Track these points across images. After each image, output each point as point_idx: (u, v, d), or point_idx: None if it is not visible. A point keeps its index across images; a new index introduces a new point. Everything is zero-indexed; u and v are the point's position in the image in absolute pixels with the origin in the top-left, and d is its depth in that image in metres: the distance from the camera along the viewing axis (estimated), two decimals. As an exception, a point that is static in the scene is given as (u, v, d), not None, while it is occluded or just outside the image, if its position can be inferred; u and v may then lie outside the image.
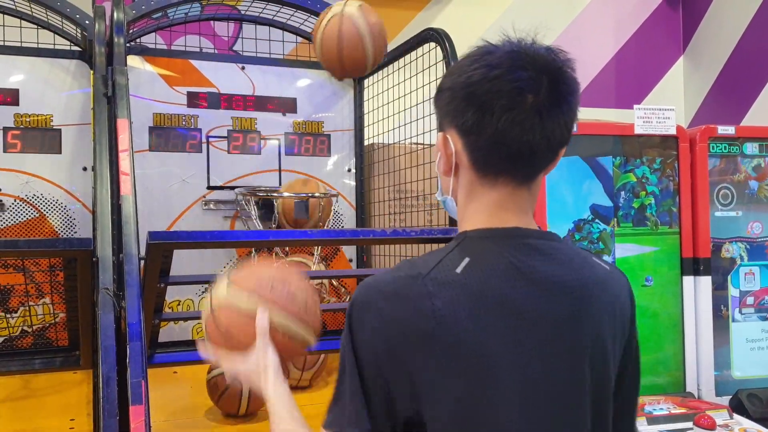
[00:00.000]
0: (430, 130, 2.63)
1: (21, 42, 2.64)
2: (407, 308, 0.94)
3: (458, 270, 0.96)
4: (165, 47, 2.98)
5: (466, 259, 0.97)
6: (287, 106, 3.00)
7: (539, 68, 0.96)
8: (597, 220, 3.13)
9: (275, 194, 2.67)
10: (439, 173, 1.09)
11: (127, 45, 2.33)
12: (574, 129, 1.04)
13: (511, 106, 0.95)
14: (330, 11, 2.04)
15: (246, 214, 2.74)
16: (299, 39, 3.04)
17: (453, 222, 2.43)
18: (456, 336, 0.92)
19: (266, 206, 2.73)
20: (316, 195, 2.76)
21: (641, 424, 2.61)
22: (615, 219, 3.19)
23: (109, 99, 2.03)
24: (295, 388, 2.44)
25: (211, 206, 2.82)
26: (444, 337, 0.92)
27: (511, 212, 1.02)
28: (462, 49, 2.51)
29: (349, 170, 3.08)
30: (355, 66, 2.04)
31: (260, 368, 1.15)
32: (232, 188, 2.83)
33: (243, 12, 2.95)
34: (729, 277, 3.29)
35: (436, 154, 1.08)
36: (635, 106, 3.24)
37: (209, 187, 2.82)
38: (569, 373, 0.98)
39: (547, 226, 3.05)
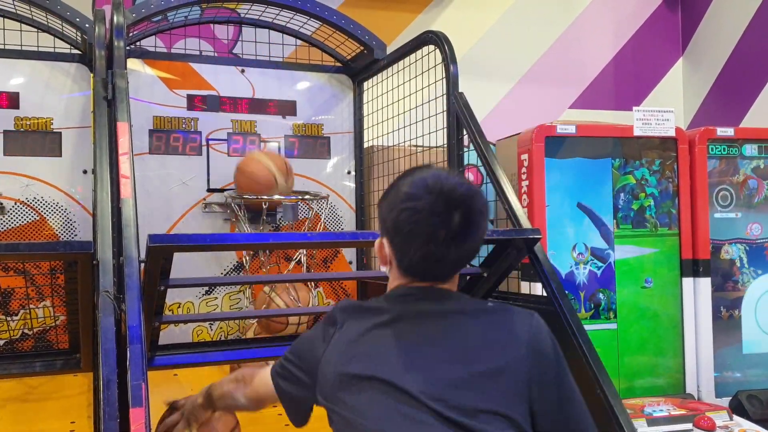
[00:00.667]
0: (429, 133, 2.64)
1: (21, 45, 2.65)
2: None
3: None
4: (165, 50, 2.99)
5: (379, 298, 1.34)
6: (287, 108, 3.01)
7: (453, 207, 1.22)
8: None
9: (265, 197, 2.65)
10: (379, 263, 1.38)
11: (127, 48, 2.34)
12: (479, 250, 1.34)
13: (428, 240, 1.22)
14: None
15: (235, 216, 2.73)
16: (299, 42, 3.04)
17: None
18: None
19: (260, 210, 2.72)
20: (306, 198, 2.76)
21: (641, 425, 2.61)
22: (615, 220, 3.19)
23: (109, 102, 2.03)
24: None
25: (211, 209, 2.83)
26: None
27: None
28: (462, 51, 2.52)
29: (349, 172, 3.09)
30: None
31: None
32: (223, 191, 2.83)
33: (242, 15, 2.95)
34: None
35: (376, 248, 1.36)
36: (634, 108, 3.24)
37: (209, 190, 2.83)
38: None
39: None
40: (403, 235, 1.25)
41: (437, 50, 2.51)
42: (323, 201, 2.88)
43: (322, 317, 1.38)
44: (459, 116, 2.37)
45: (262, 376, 1.47)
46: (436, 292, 1.29)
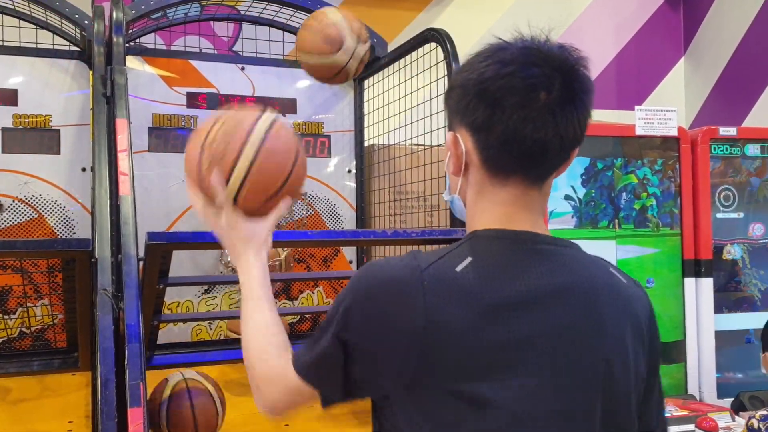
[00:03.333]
0: (431, 131, 2.62)
1: (20, 42, 2.63)
2: (399, 302, 0.93)
3: (458, 269, 0.94)
4: (164, 47, 2.97)
5: (469, 259, 0.95)
6: (287, 107, 2.99)
7: (553, 66, 0.95)
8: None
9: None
10: (447, 173, 1.07)
11: (126, 45, 2.32)
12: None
13: (523, 103, 0.93)
14: None
15: None
16: (299, 39, 3.03)
17: (453, 223, 2.42)
18: (445, 335, 0.90)
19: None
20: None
21: (643, 426, 2.59)
22: (616, 220, 3.18)
23: (108, 99, 2.02)
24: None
25: (211, 207, 2.81)
26: (432, 335, 0.90)
27: (521, 214, 1.00)
28: (462, 50, 2.51)
29: (349, 171, 3.07)
30: None
31: (235, 238, 1.19)
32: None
33: (243, 12, 2.93)
34: None
35: (445, 153, 1.06)
36: (636, 107, 3.23)
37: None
38: (573, 387, 0.94)
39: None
40: (490, 96, 0.94)
41: (439, 48, 2.49)
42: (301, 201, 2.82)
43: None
44: (461, 114, 2.35)
45: None
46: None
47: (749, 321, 3.27)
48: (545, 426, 0.92)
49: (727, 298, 3.26)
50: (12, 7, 2.61)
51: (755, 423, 1.99)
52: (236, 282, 2.79)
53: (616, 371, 0.97)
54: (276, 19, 2.89)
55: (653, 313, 1.07)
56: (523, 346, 0.92)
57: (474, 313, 0.91)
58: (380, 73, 2.90)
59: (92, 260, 1.60)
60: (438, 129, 2.57)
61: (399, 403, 0.95)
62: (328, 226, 2.97)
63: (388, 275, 0.96)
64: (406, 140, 2.79)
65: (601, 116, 4.02)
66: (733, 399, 3.09)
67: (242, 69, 2.92)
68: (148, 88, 2.78)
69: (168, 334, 2.56)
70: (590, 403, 0.95)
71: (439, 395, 0.91)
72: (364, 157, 3.07)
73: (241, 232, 1.19)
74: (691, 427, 2.66)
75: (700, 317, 3.19)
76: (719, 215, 3.26)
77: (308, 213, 2.94)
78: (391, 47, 2.87)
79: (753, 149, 3.30)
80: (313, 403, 1.03)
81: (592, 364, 0.95)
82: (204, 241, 1.67)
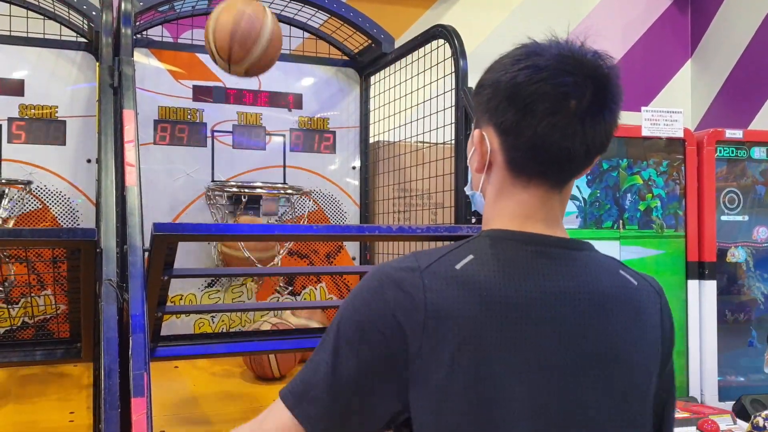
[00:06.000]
0: (436, 129, 2.62)
1: (27, 33, 2.63)
2: (402, 298, 0.92)
3: (458, 266, 0.94)
4: (171, 41, 2.97)
5: (470, 257, 0.95)
6: (293, 102, 2.99)
7: (585, 73, 0.95)
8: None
9: (246, 190, 2.61)
10: (470, 168, 1.07)
11: (134, 37, 2.32)
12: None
13: (554, 110, 0.93)
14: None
15: (215, 208, 2.68)
16: (306, 34, 3.02)
17: (458, 220, 2.41)
18: (444, 329, 0.90)
19: (239, 201, 2.68)
20: (289, 192, 2.73)
21: (644, 427, 2.59)
22: (621, 221, 3.17)
23: (115, 90, 2.01)
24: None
25: (216, 201, 2.81)
26: (432, 329, 0.90)
27: (539, 216, 1.00)
28: (470, 47, 2.50)
29: (354, 168, 3.07)
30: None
31: None
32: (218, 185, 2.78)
33: (250, 7, 2.93)
34: None
35: (470, 149, 1.06)
36: (643, 108, 3.22)
37: (214, 182, 2.81)
38: (568, 390, 0.93)
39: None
40: (521, 100, 0.94)
41: (446, 45, 2.49)
42: (305, 197, 2.82)
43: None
44: (467, 112, 2.35)
45: None
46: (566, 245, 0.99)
47: (752, 325, 3.26)
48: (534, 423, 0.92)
49: (731, 301, 3.25)
50: (21, -4, 2.62)
51: (761, 421, 1.98)
52: (240, 275, 2.79)
53: (618, 374, 0.96)
54: (283, 13, 2.88)
55: (668, 314, 1.06)
56: (519, 345, 0.91)
57: (473, 304, 0.91)
58: (387, 69, 2.90)
59: (97, 250, 1.60)
60: (444, 126, 2.56)
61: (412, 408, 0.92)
62: (331, 222, 2.97)
63: (392, 280, 0.95)
64: (411, 137, 2.79)
65: (606, 117, 4.02)
66: (734, 402, 3.09)
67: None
68: (155, 80, 2.78)
69: (171, 327, 2.57)
70: (587, 407, 0.94)
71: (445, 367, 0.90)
72: (368, 153, 3.06)
73: None
74: (692, 429, 2.65)
75: (702, 320, 3.18)
76: (724, 218, 3.25)
77: (312, 209, 2.94)
78: (398, 44, 2.87)
79: (759, 152, 3.29)
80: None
81: (590, 366, 0.95)
82: (210, 232, 1.67)
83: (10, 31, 2.61)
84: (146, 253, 1.62)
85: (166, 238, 1.51)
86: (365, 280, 0.98)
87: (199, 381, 2.47)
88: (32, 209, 2.57)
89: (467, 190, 1.11)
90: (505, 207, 1.01)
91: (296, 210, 2.89)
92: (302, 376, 0.97)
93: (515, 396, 0.90)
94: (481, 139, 1.02)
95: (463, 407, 0.90)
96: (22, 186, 2.45)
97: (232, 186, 2.71)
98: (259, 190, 2.65)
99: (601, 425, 0.95)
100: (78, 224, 2.61)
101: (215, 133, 2.85)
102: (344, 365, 0.93)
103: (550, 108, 0.93)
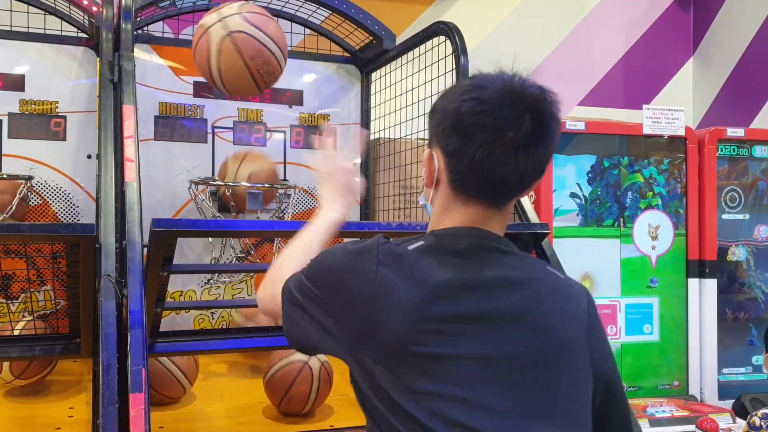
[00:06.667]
0: (437, 125, 2.61)
1: (28, 27, 2.63)
2: (359, 270, 1.07)
3: (410, 247, 1.09)
4: (172, 36, 2.96)
5: (421, 242, 1.10)
6: (294, 98, 2.98)
7: (525, 107, 1.05)
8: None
9: (232, 184, 2.59)
10: (423, 182, 1.19)
11: (134, 33, 2.32)
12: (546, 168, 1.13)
13: (491, 140, 1.04)
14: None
15: (199, 205, 2.64)
16: (307, 31, 3.02)
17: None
18: (389, 300, 1.03)
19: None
20: (276, 185, 2.70)
21: (644, 426, 2.59)
22: (622, 219, 3.17)
23: (115, 85, 2.01)
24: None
25: (215, 197, 2.80)
26: (379, 298, 1.04)
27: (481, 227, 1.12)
28: (471, 45, 2.49)
29: (354, 165, 3.06)
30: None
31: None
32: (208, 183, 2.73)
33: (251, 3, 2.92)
34: None
35: (423, 165, 1.18)
36: (644, 106, 3.22)
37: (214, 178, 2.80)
38: (509, 364, 1.03)
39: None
40: (463, 128, 1.06)
41: (447, 41, 2.48)
42: (291, 192, 2.78)
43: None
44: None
45: None
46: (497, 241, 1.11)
47: (752, 323, 3.26)
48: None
49: (731, 300, 3.25)
50: (21, -9, 2.61)
51: (757, 420, 1.98)
52: (240, 271, 2.79)
53: (553, 350, 1.07)
54: (284, 9, 2.88)
55: (592, 304, 1.17)
56: (465, 321, 1.03)
57: (418, 286, 1.03)
58: (388, 65, 2.89)
59: (96, 246, 1.60)
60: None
61: (355, 365, 1.06)
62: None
63: (358, 247, 1.12)
64: (411, 134, 2.78)
65: (608, 115, 4.01)
66: (734, 401, 3.09)
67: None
68: (155, 76, 2.78)
69: (170, 323, 2.56)
70: (525, 377, 1.04)
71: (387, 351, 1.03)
72: (369, 150, 3.06)
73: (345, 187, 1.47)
74: (692, 427, 2.66)
75: (702, 318, 3.18)
76: (725, 216, 3.25)
77: (313, 205, 2.94)
78: (399, 40, 2.86)
79: (761, 151, 3.29)
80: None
81: (533, 345, 1.05)
82: (209, 228, 1.67)
83: (11, 26, 2.61)
84: (145, 249, 1.62)
85: (166, 233, 1.51)
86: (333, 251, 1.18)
87: (199, 380, 2.47)
88: (33, 204, 2.57)
89: (421, 201, 1.23)
90: (449, 218, 1.13)
91: (297, 206, 2.89)
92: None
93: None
94: (430, 157, 1.14)
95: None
96: (24, 181, 2.45)
97: (217, 180, 2.67)
98: (244, 185, 2.59)
99: (527, 368, 1.05)
100: (78, 220, 2.61)
101: (216, 130, 2.85)
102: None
103: (488, 138, 1.04)
